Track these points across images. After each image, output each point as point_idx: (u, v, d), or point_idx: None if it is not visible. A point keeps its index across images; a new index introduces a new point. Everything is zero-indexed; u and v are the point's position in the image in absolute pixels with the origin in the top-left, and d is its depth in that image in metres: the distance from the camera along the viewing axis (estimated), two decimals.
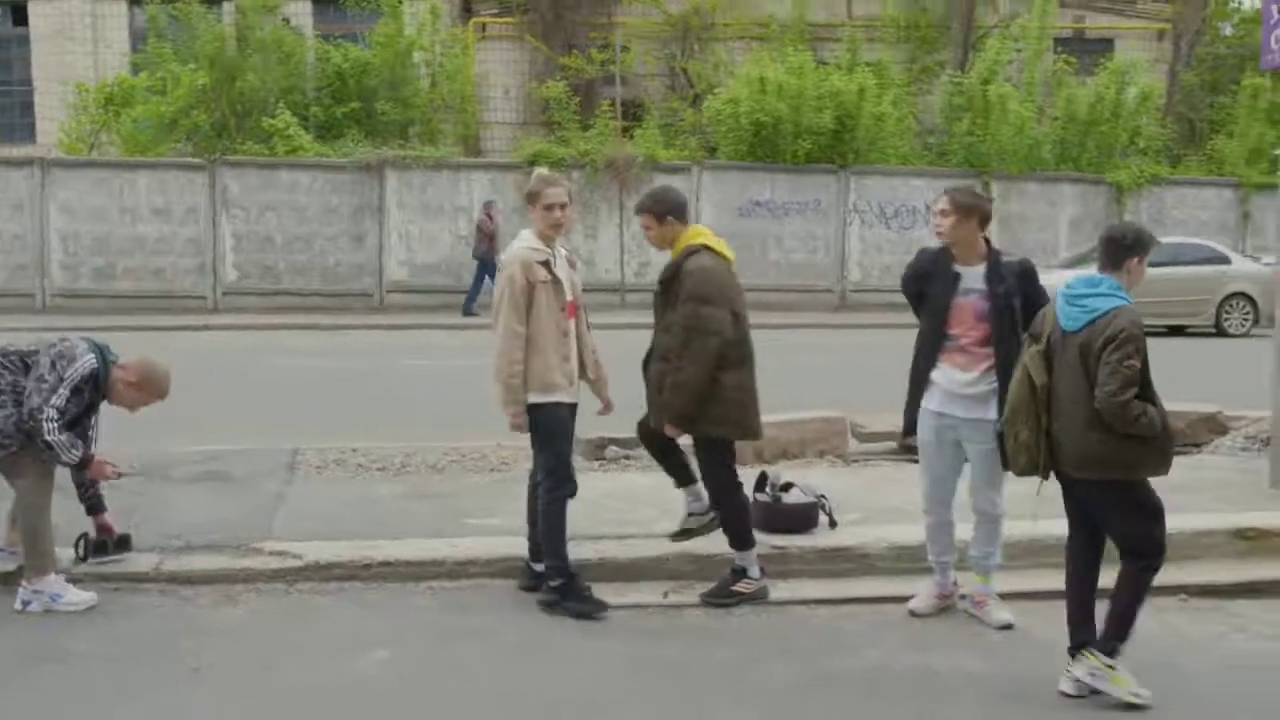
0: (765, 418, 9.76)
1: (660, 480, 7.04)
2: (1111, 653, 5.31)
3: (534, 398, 6.23)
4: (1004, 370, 5.91)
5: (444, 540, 7.03)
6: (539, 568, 6.47)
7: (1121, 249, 5.33)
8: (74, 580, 6.48)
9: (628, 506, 7.92)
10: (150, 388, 6.49)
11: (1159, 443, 5.20)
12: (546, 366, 6.22)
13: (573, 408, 6.43)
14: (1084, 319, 5.22)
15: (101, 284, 24.06)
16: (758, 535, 6.88)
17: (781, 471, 7.79)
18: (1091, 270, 5.47)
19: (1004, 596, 6.39)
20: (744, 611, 6.41)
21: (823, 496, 7.39)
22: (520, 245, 6.38)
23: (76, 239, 24.38)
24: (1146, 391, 5.18)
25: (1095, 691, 5.31)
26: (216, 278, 24.62)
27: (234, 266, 24.71)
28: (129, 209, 23.95)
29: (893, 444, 10.14)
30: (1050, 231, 27.02)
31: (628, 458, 9.32)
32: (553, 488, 6.33)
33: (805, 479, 7.79)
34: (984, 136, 26.88)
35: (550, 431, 6.32)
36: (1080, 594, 5.49)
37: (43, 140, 29.26)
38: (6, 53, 31.53)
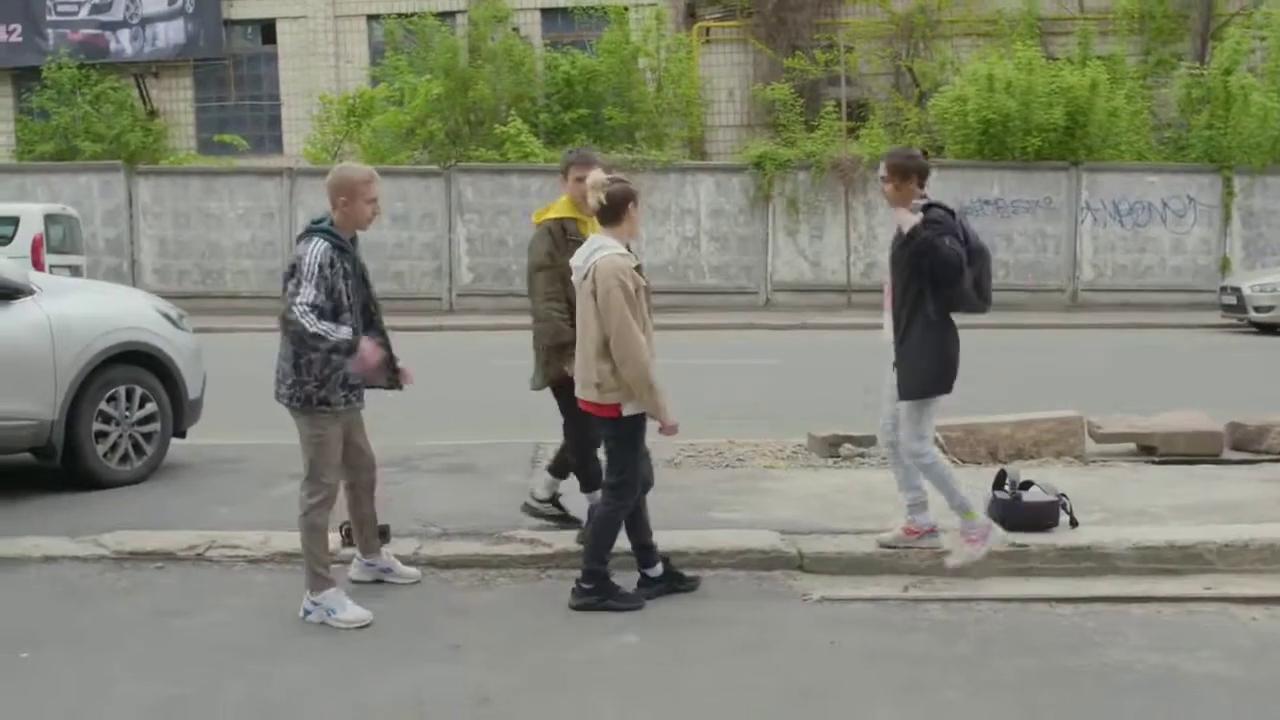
0: (1000, 417, 9.85)
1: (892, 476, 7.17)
2: None
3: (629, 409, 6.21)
4: (908, 322, 6.63)
5: (688, 532, 7.23)
6: (652, 573, 6.54)
7: None
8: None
9: (863, 501, 8.00)
10: (350, 189, 6.11)
11: None
12: None
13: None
14: None
15: None
16: (999, 533, 6.96)
17: (1020, 470, 7.75)
18: None
19: (1265, 600, 6.19)
20: (983, 608, 6.42)
21: (1063, 495, 7.34)
22: (612, 252, 6.21)
23: None
24: None
25: None
26: (452, 280, 25.51)
27: (468, 269, 25.55)
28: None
29: (1132, 445, 9.96)
30: None
31: (862, 455, 9.40)
32: (623, 497, 6.36)
33: (1044, 478, 7.74)
34: (1225, 129, 25.92)
35: (634, 442, 6.32)
36: None
37: (289, 151, 30.82)
38: (256, 69, 33.24)
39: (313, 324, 5.83)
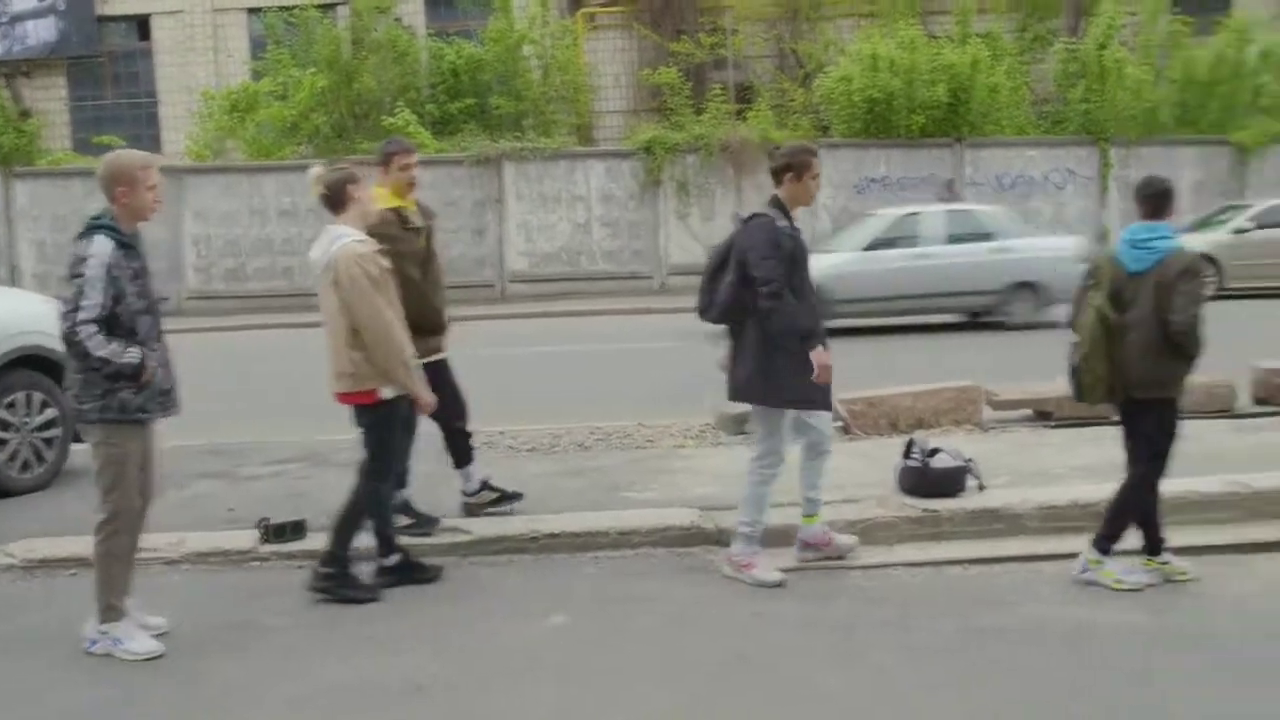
0: (900, 389, 10.04)
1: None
2: (1105, 550, 6.26)
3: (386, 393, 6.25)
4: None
5: (606, 513, 7.30)
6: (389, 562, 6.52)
7: (1162, 200, 6.23)
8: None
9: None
10: (129, 177, 5.57)
11: (1189, 368, 6.10)
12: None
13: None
14: (1151, 259, 6.05)
15: (233, 285, 24.84)
16: (910, 500, 7.13)
17: (928, 438, 7.91)
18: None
19: (1176, 551, 6.43)
20: (900, 573, 6.56)
21: (970, 460, 7.51)
22: (350, 241, 6.17)
23: (208, 242, 25.20)
24: None
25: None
26: None
27: None
28: (257, 211, 24.65)
29: (1028, 411, 10.22)
30: None
31: None
32: (380, 483, 6.42)
33: (949, 445, 7.91)
34: (1100, 102, 26.57)
35: (390, 426, 6.36)
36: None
37: (169, 149, 30.23)
38: (132, 66, 32.57)
39: (98, 346, 5.37)
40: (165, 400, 5.70)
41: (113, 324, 5.44)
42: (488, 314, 22.20)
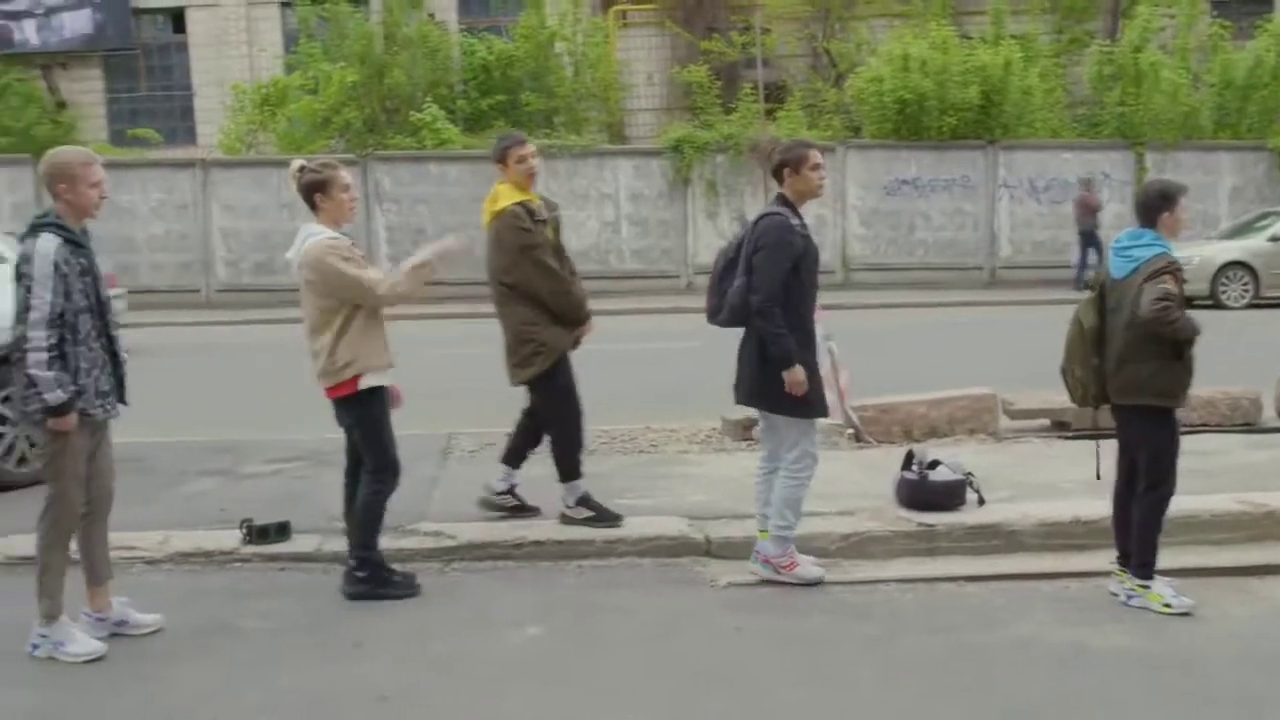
0: (914, 396, 9.88)
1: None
2: (1146, 576, 6.08)
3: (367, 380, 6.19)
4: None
5: None
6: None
7: (1151, 208, 6.06)
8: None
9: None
10: (69, 174, 5.51)
11: (1183, 375, 6.00)
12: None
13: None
14: (1129, 266, 6.00)
15: (261, 278, 24.87)
16: (906, 513, 6.99)
17: (928, 449, 7.75)
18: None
19: (1166, 573, 6.24)
20: (890, 589, 6.42)
21: (970, 474, 7.35)
22: (322, 237, 6.14)
23: (237, 235, 25.26)
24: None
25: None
26: None
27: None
28: (286, 205, 24.61)
29: (1045, 421, 10.03)
30: (1209, 201, 26.13)
31: None
32: (386, 480, 6.33)
33: (954, 457, 7.75)
34: (1137, 106, 26.23)
35: (382, 418, 6.27)
36: (1122, 509, 6.23)
37: (203, 142, 30.36)
38: (167, 59, 32.68)
39: (38, 364, 5.30)
40: (104, 402, 5.63)
41: (68, 320, 5.40)
42: None
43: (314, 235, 6.11)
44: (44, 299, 5.32)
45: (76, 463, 5.56)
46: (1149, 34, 26.60)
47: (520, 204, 7.01)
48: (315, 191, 6.13)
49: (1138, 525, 6.11)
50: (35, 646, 5.58)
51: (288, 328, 20.87)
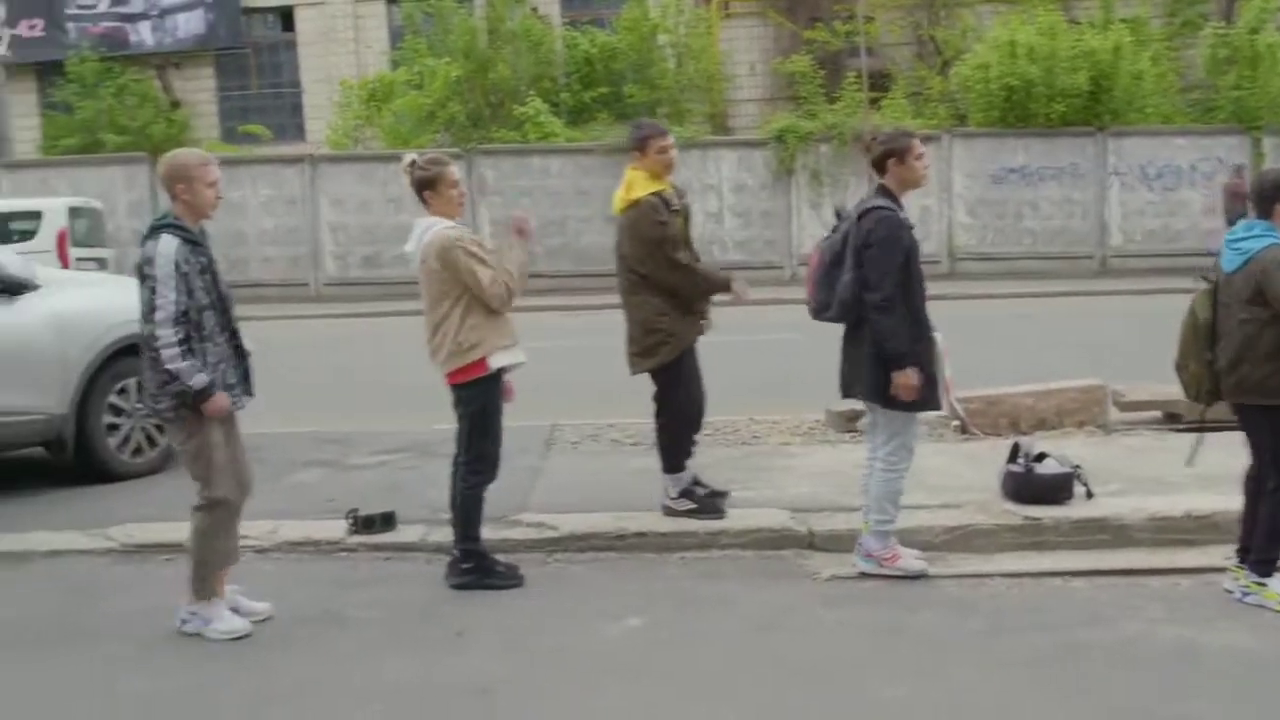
0: (1022, 388, 9.72)
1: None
2: (1265, 573, 5.91)
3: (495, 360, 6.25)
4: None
5: None
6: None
7: (1266, 197, 5.85)
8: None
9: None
10: (186, 175, 5.65)
11: None
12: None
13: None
14: (1240, 260, 5.80)
15: (369, 272, 25.21)
16: (1012, 507, 6.90)
17: (1035, 441, 7.63)
18: None
19: None
20: (996, 584, 6.32)
21: (1078, 466, 7.22)
22: (441, 228, 6.16)
23: (345, 230, 25.63)
24: None
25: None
26: None
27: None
28: (393, 199, 24.91)
29: (1156, 413, 9.82)
30: None
31: None
32: (483, 470, 6.36)
33: (1062, 449, 7.62)
34: (1253, 89, 25.50)
35: (492, 406, 6.30)
36: (1251, 503, 6.03)
37: (311, 138, 30.83)
38: (276, 57, 33.26)
39: (172, 359, 5.47)
40: (232, 394, 5.77)
41: (190, 319, 5.55)
42: (617, 303, 22.14)
43: (434, 226, 6.17)
44: (168, 298, 5.47)
45: (220, 455, 5.73)
46: (1266, 15, 25.86)
47: (656, 194, 7.01)
48: (424, 188, 6.22)
49: (1262, 521, 5.94)
50: (184, 622, 5.79)
51: (394, 320, 21.28)
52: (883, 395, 6.21)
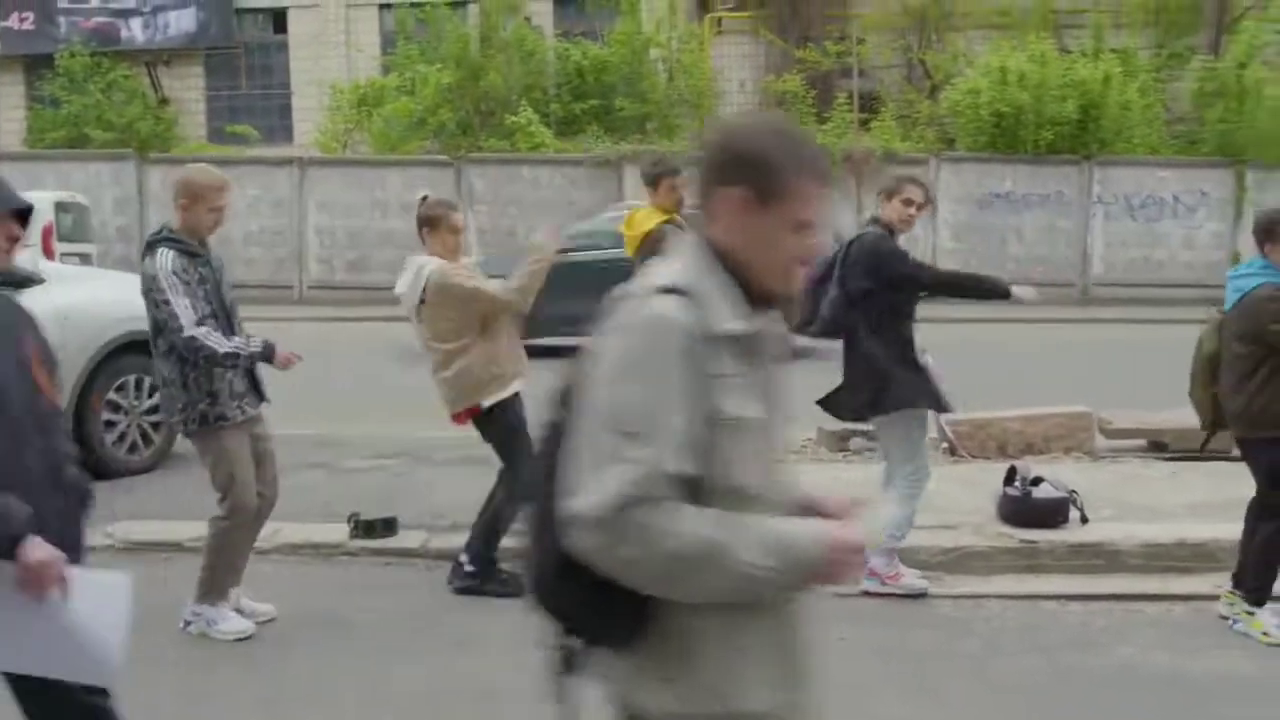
0: (1009, 412, 9.80)
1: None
2: (1257, 603, 5.99)
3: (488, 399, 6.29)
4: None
5: None
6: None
7: (1257, 235, 6.00)
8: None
9: (870, 496, 7.96)
10: (193, 193, 5.82)
11: None
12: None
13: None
14: (1235, 297, 5.97)
15: (354, 276, 25.17)
16: (1008, 529, 6.97)
17: (1031, 466, 7.72)
18: None
19: (1277, 599, 6.16)
20: (992, 605, 6.40)
21: (1073, 492, 7.31)
22: (439, 264, 6.28)
23: (331, 234, 25.59)
24: None
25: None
26: None
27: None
28: (380, 204, 24.93)
29: (1141, 441, 9.92)
30: None
31: (872, 449, 9.35)
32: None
33: (1054, 474, 7.71)
34: (1239, 124, 25.70)
35: (513, 424, 6.33)
36: (1249, 530, 6.10)
37: (300, 141, 30.74)
38: (267, 58, 33.19)
39: (220, 343, 5.57)
40: (240, 403, 5.81)
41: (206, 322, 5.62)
42: None
43: (429, 264, 6.25)
44: (183, 304, 5.55)
45: (240, 468, 5.76)
46: (1255, 50, 26.10)
47: (669, 223, 7.07)
48: (425, 225, 6.35)
49: (1255, 552, 6.04)
50: (188, 623, 5.83)
51: (378, 326, 21.23)
52: (882, 408, 6.32)
